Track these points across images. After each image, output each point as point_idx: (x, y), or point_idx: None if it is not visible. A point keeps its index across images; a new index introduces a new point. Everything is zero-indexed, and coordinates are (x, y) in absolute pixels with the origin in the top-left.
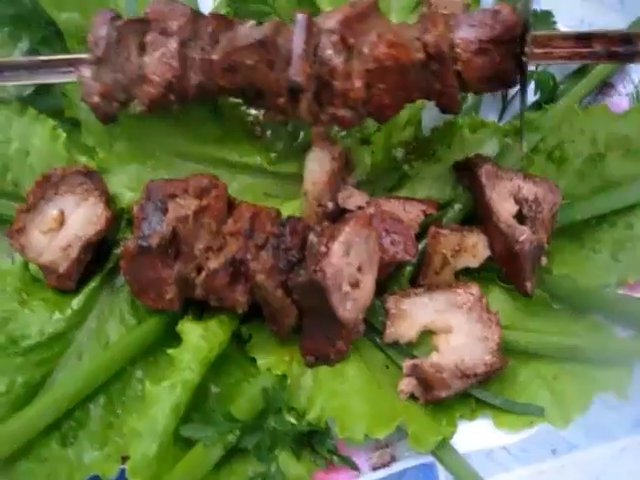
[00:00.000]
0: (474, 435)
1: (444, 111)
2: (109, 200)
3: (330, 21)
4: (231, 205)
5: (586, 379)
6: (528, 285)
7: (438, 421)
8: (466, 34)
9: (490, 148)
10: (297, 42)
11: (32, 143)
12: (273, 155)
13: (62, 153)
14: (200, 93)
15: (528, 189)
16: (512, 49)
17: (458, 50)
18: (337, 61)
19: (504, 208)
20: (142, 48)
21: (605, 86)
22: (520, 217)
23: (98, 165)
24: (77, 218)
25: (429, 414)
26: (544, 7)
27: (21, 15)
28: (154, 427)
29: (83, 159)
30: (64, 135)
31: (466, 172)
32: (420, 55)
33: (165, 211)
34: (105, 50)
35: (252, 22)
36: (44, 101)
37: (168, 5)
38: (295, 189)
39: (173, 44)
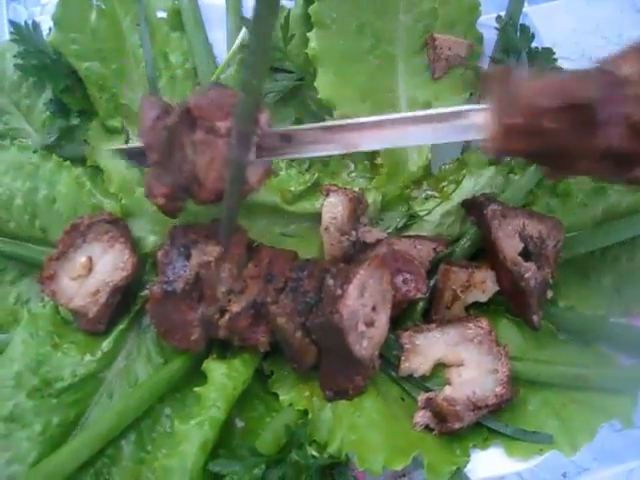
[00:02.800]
0: (487, 463)
1: None
2: (134, 245)
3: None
4: (250, 248)
5: (592, 407)
6: (535, 319)
7: (452, 451)
8: None
9: (496, 184)
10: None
11: (58, 190)
12: (290, 195)
13: (87, 200)
14: None
15: (533, 226)
16: None
17: None
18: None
19: (510, 246)
20: (193, 148)
21: None
22: (526, 253)
23: (122, 210)
24: (105, 264)
25: (443, 444)
26: (545, 42)
27: (45, 65)
28: (184, 463)
29: (107, 202)
30: (88, 184)
31: (473, 210)
32: None
33: (188, 256)
34: (160, 155)
35: None
36: (67, 148)
37: (210, 97)
38: (310, 229)
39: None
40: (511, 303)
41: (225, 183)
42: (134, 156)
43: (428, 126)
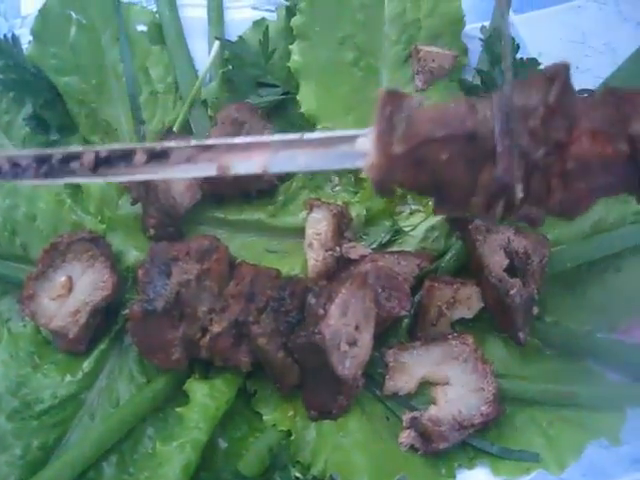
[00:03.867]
0: None
1: None
2: (114, 264)
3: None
4: (232, 265)
5: (579, 425)
6: (521, 335)
7: (437, 471)
8: None
9: None
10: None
11: (38, 207)
12: (271, 208)
13: (68, 217)
14: None
15: (518, 242)
16: None
17: None
18: (537, 155)
19: (495, 262)
20: None
21: None
22: (511, 269)
23: (107, 224)
24: (84, 284)
25: (429, 464)
26: (531, 51)
27: (24, 80)
28: None
29: (88, 219)
30: (69, 200)
31: (458, 225)
32: (625, 148)
33: (169, 275)
34: (137, 193)
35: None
36: None
37: None
38: (294, 245)
39: None
40: (496, 319)
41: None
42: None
43: (301, 151)
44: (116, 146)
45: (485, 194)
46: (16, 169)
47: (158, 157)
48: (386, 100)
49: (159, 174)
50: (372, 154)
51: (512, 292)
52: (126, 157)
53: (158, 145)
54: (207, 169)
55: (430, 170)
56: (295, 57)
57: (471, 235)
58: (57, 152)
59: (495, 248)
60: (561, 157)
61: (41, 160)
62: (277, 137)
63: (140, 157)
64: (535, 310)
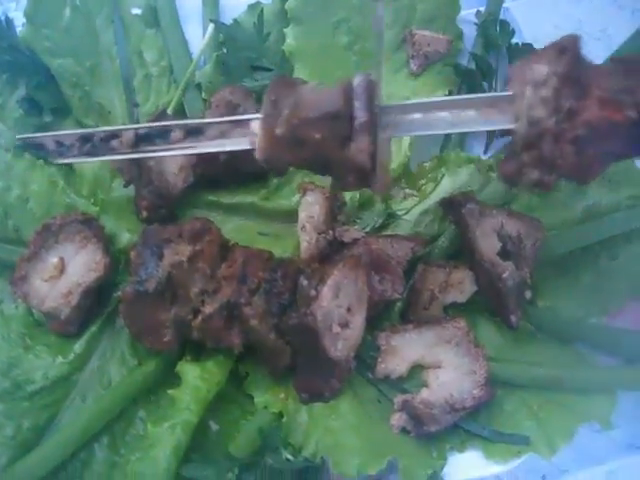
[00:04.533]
0: (465, 466)
1: None
2: (107, 246)
3: (541, 69)
4: (225, 248)
5: (570, 408)
6: (513, 319)
7: (429, 454)
8: None
9: (475, 182)
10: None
11: (31, 190)
12: (264, 191)
13: (61, 199)
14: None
15: (511, 226)
16: None
17: None
18: (549, 123)
19: (488, 245)
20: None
21: None
22: (504, 253)
23: (100, 206)
24: (77, 265)
25: (420, 447)
26: (527, 37)
27: (18, 62)
28: (156, 468)
29: (81, 202)
30: (62, 183)
31: (451, 209)
32: (634, 115)
33: (161, 256)
34: (129, 174)
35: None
36: None
37: None
38: (287, 228)
39: None
40: (489, 303)
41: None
42: (33, 147)
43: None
44: (154, 124)
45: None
46: (61, 148)
47: (194, 133)
48: (275, 86)
49: (196, 149)
50: (259, 136)
51: (504, 275)
52: (164, 134)
53: (194, 121)
54: (240, 143)
55: (310, 149)
56: (289, 41)
57: (464, 219)
58: (99, 131)
59: (488, 232)
60: (572, 124)
61: (84, 139)
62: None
63: (177, 133)
64: (528, 294)
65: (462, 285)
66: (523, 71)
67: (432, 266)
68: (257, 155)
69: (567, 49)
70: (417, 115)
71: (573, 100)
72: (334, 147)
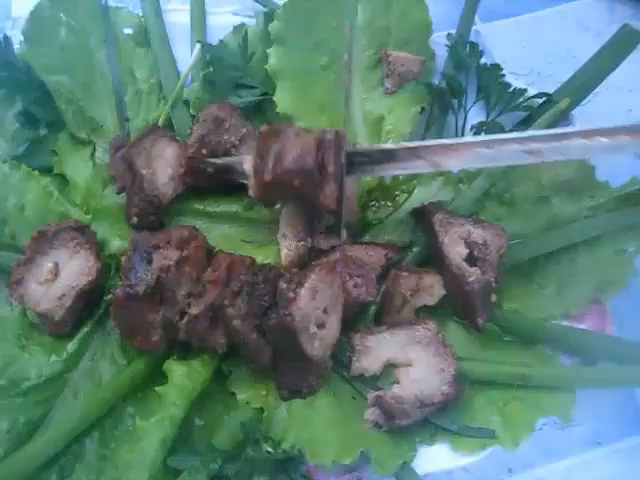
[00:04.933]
0: (434, 458)
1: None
2: (99, 251)
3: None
4: (210, 254)
5: (533, 404)
6: (479, 321)
7: (400, 446)
8: None
9: (445, 194)
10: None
11: (27, 198)
12: (247, 200)
13: (55, 208)
14: None
15: (477, 234)
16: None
17: None
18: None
19: (455, 252)
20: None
21: None
22: (471, 259)
23: (92, 213)
24: (70, 270)
25: (392, 440)
26: (496, 58)
27: (15, 78)
28: (144, 459)
29: (74, 210)
30: (56, 192)
31: (422, 218)
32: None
33: (150, 261)
34: (122, 182)
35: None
36: (36, 159)
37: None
38: (268, 236)
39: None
40: (457, 306)
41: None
42: None
43: None
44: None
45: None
46: None
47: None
48: (263, 137)
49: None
50: (251, 181)
51: (470, 279)
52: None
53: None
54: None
55: (292, 191)
56: (272, 61)
57: (434, 227)
58: None
59: (456, 239)
60: None
61: None
62: None
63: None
64: (493, 297)
65: (432, 289)
66: None
67: (403, 271)
68: (251, 194)
69: None
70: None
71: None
72: (310, 191)
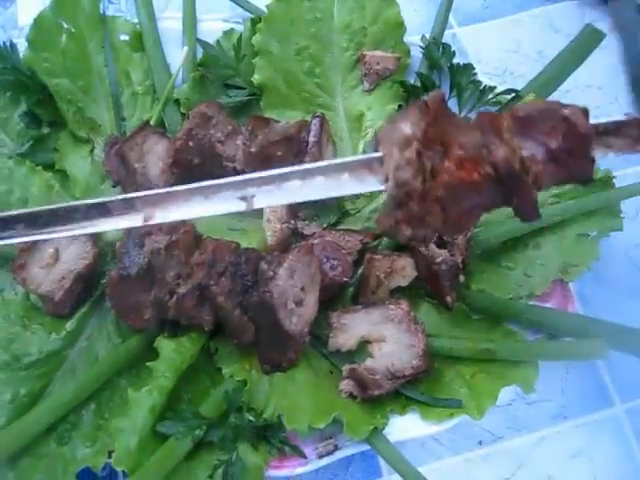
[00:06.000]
0: (405, 427)
1: (523, 220)
2: (96, 239)
3: (405, 130)
4: (198, 240)
5: (497, 376)
6: (449, 299)
7: (372, 414)
8: (535, 149)
9: None
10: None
11: (31, 192)
12: None
13: (56, 201)
14: None
15: None
16: (586, 152)
17: (530, 165)
18: (415, 183)
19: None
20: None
21: None
22: (440, 242)
23: None
24: (69, 254)
25: (365, 409)
26: (472, 59)
27: (20, 81)
28: (135, 424)
29: None
30: (58, 186)
31: None
32: (490, 171)
33: (142, 246)
34: (118, 176)
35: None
36: (39, 155)
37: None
38: (252, 224)
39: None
40: (428, 286)
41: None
42: None
43: None
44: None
45: None
46: None
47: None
48: (252, 120)
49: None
50: (239, 152)
51: (438, 260)
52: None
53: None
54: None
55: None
56: (257, 72)
57: None
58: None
59: None
60: (434, 184)
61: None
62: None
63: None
64: (461, 278)
65: (404, 271)
66: (390, 132)
67: (377, 255)
68: (237, 166)
69: (429, 107)
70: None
71: (435, 160)
72: (293, 161)
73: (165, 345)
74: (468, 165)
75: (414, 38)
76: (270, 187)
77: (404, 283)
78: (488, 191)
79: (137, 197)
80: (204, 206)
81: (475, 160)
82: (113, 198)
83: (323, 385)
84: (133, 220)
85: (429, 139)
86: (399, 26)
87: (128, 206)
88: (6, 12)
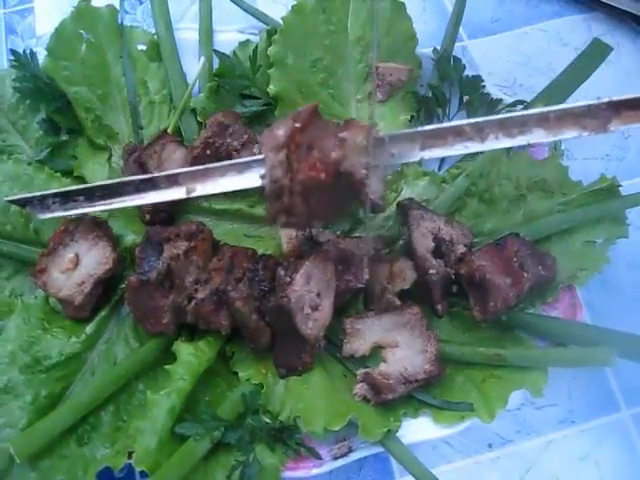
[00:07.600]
0: (417, 430)
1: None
2: (115, 244)
3: (279, 135)
4: (215, 246)
5: (507, 380)
6: (439, 308)
7: (386, 416)
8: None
9: (430, 192)
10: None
11: None
12: (250, 199)
13: None
14: None
15: (446, 231)
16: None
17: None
18: (284, 181)
19: (422, 244)
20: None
21: None
22: (438, 252)
23: (109, 212)
24: (90, 259)
25: (378, 412)
26: (482, 71)
27: (39, 89)
28: (154, 426)
29: None
30: None
31: (402, 213)
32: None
33: (161, 252)
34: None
35: None
36: (57, 162)
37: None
38: (269, 231)
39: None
40: (423, 294)
41: None
42: (21, 204)
43: None
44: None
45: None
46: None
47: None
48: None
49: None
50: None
51: (431, 271)
52: None
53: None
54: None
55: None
56: (272, 85)
57: (408, 220)
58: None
59: (425, 233)
60: (295, 182)
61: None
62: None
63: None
64: (454, 288)
65: (404, 273)
66: (268, 137)
67: (376, 260)
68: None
69: (301, 117)
70: None
71: (300, 162)
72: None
73: (183, 349)
74: (319, 166)
75: (425, 50)
76: None
77: (406, 286)
78: (338, 187)
79: (180, 173)
80: (237, 180)
81: (325, 161)
82: (159, 174)
83: (338, 388)
84: (177, 192)
85: (297, 144)
86: (412, 39)
87: (172, 180)
88: (24, 21)
